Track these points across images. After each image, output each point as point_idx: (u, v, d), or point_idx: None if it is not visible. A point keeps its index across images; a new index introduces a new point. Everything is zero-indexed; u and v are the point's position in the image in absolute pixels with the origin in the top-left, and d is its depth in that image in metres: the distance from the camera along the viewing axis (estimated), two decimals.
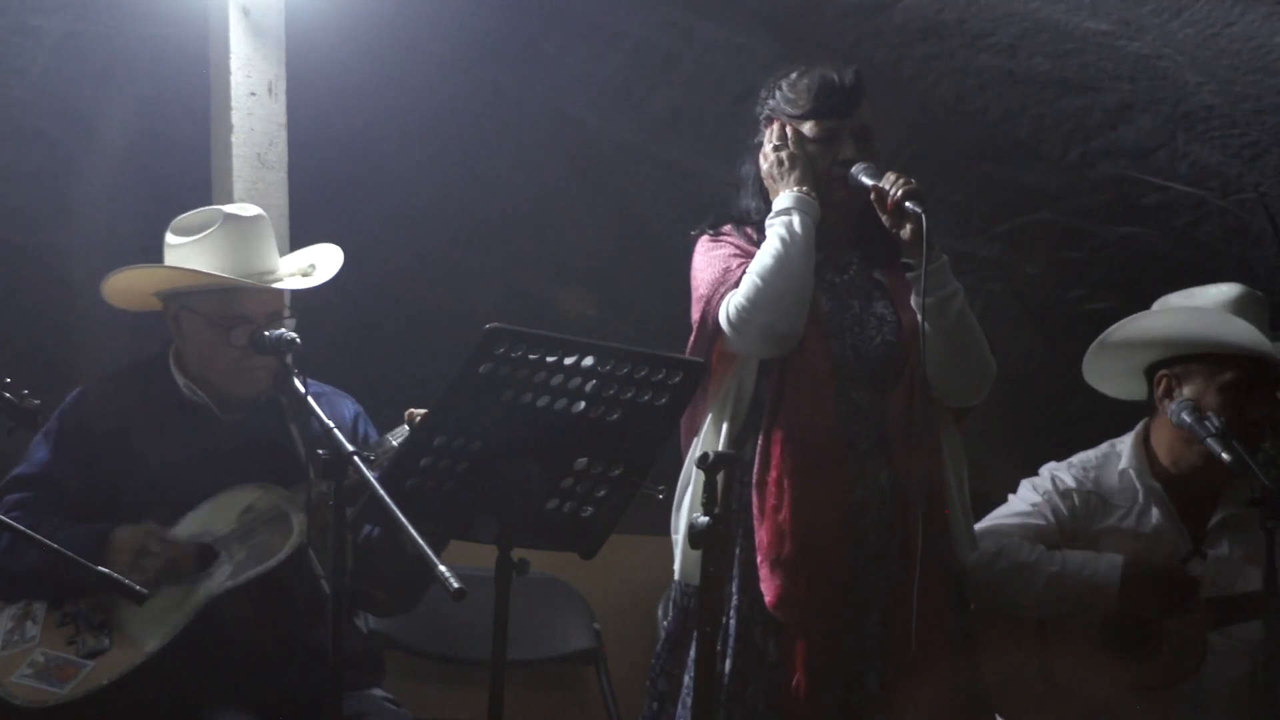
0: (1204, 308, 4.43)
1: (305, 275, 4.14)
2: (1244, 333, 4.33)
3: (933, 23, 5.32)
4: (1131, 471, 4.39)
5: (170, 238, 4.10)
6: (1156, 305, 4.52)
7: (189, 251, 4.05)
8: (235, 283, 4.01)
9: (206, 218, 4.09)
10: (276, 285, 4.06)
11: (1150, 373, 4.42)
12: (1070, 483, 4.38)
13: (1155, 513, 4.35)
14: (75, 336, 5.15)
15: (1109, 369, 4.50)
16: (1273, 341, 4.42)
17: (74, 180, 5.29)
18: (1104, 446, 4.48)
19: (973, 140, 5.57)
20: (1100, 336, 4.46)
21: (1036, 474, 4.46)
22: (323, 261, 4.16)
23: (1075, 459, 4.47)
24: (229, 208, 4.12)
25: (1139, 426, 4.46)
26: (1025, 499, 4.33)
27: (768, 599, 3.78)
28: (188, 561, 3.91)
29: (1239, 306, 4.40)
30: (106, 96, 5.19)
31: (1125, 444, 4.45)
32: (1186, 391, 4.34)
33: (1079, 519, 4.35)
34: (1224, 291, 4.45)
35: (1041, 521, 4.32)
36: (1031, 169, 5.69)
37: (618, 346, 3.49)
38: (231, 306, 4.02)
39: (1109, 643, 4.27)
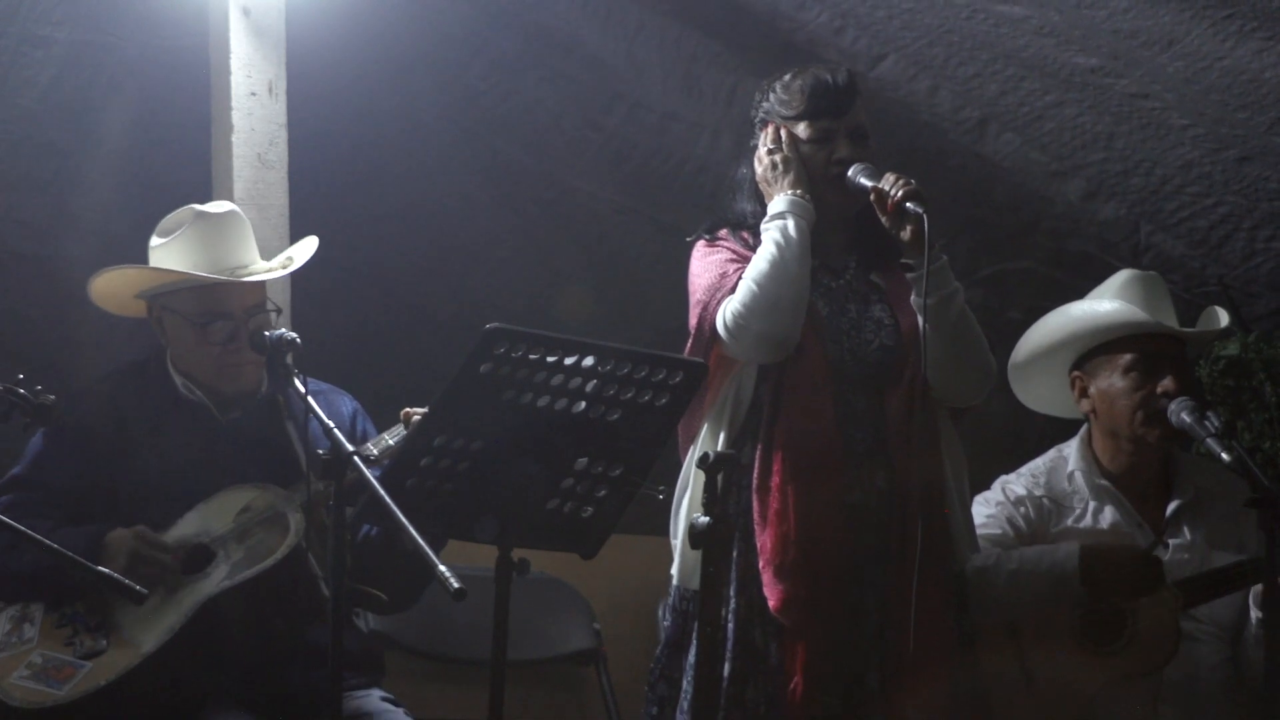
0: (1088, 300, 4.47)
1: (283, 268, 4.15)
2: (1118, 313, 4.37)
3: (904, 93, 5.32)
4: (1079, 473, 4.42)
5: (152, 240, 4.12)
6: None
7: (164, 252, 4.07)
8: (201, 279, 4.01)
9: (180, 218, 4.11)
10: (245, 278, 4.06)
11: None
12: (1021, 491, 4.41)
13: (1109, 510, 4.38)
14: (84, 347, 5.15)
15: (1041, 390, 4.54)
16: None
17: (82, 191, 5.29)
18: (1051, 452, 4.51)
19: (954, 188, 5.58)
20: (1010, 359, 4.49)
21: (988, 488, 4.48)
22: (299, 254, 4.18)
23: (1024, 468, 4.50)
24: (201, 206, 4.13)
25: (1082, 430, 4.48)
26: (979, 512, 4.33)
27: (772, 603, 3.78)
28: (177, 563, 3.91)
29: (1125, 290, 4.43)
30: (115, 106, 5.19)
31: (1071, 448, 4.47)
32: (1098, 384, 4.38)
33: (1035, 525, 4.37)
34: (1114, 279, 4.50)
35: (998, 531, 4.33)
36: (1011, 228, 5.71)
37: (618, 346, 3.48)
38: (207, 303, 4.03)
39: (1082, 637, 4.27)
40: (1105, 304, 4.40)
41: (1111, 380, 4.37)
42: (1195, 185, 5.47)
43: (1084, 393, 4.43)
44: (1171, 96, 5.21)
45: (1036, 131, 5.44)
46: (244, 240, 4.12)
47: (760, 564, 3.80)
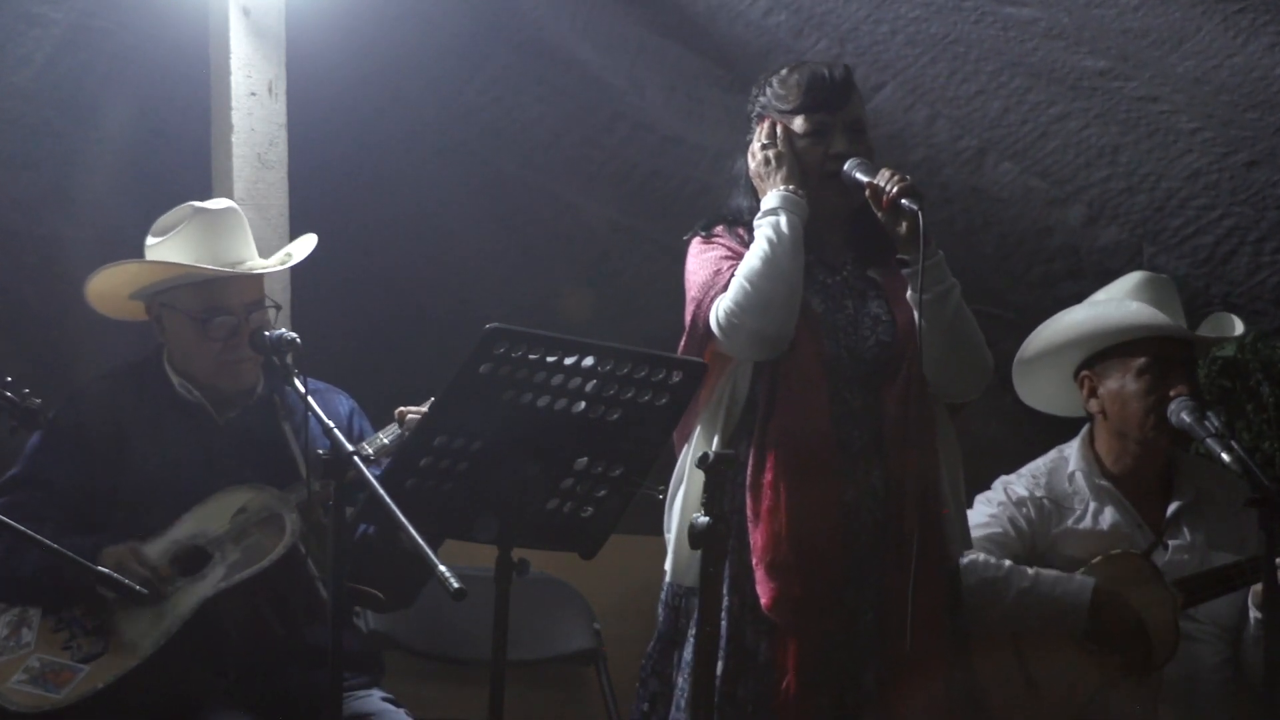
0: (1102, 300, 4.46)
1: (281, 265, 4.16)
2: (1138, 314, 4.37)
3: (900, 124, 5.30)
4: (1080, 474, 4.42)
5: (148, 240, 4.12)
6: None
7: (162, 251, 4.07)
8: (202, 272, 4.01)
9: (178, 215, 4.10)
10: (242, 270, 4.05)
11: (1078, 378, 4.46)
12: (1022, 491, 4.41)
13: (1110, 510, 4.38)
14: (75, 326, 5.14)
15: (1043, 387, 4.53)
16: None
17: (76, 171, 5.29)
18: (1052, 453, 4.51)
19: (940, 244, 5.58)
20: (1018, 354, 4.49)
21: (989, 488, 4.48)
22: (298, 251, 4.19)
23: (1025, 469, 4.50)
24: (199, 203, 4.13)
25: (1084, 430, 4.48)
26: (982, 512, 4.35)
27: (763, 601, 3.77)
28: (166, 573, 3.90)
29: (1139, 291, 4.43)
30: (110, 91, 5.19)
31: (1072, 448, 4.47)
32: (1109, 385, 4.37)
33: (1036, 525, 4.37)
34: (1128, 279, 4.50)
35: (999, 530, 4.33)
36: (997, 280, 5.70)
37: (618, 346, 3.48)
38: (207, 299, 4.03)
39: (1081, 636, 4.28)
40: (1127, 304, 4.40)
41: (1124, 382, 4.37)
42: (1201, 197, 5.44)
43: (1093, 392, 4.42)
44: (1180, 99, 5.19)
45: (1038, 153, 5.41)
46: (242, 236, 4.12)
47: (753, 561, 3.79)
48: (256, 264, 4.12)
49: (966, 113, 5.33)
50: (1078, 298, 4.65)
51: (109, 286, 4.10)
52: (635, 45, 5.36)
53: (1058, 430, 4.60)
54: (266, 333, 3.92)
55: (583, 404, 3.46)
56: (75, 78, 5.15)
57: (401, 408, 3.96)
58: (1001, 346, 4.62)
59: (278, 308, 4.10)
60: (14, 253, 5.32)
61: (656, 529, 3.98)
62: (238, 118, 4.69)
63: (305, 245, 4.17)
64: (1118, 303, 4.43)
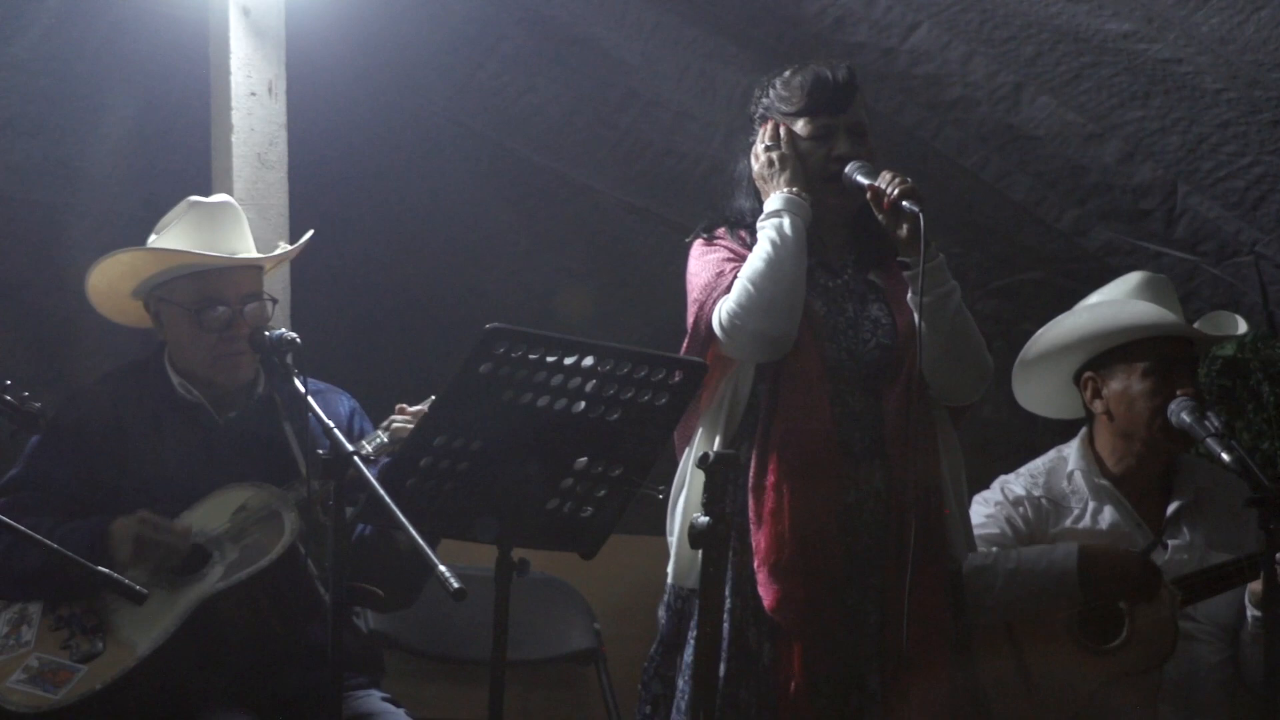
0: (1105, 300, 4.46)
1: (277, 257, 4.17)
2: (1145, 313, 4.36)
3: (937, 63, 5.29)
4: (1079, 473, 4.41)
5: (150, 238, 4.13)
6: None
7: (159, 244, 4.08)
8: (194, 258, 4.01)
9: (175, 211, 4.13)
10: (238, 257, 4.06)
11: (1079, 380, 4.45)
12: (1020, 491, 4.40)
13: (1109, 510, 4.38)
14: (69, 293, 5.14)
15: (1040, 390, 4.53)
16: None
17: (75, 141, 5.28)
18: (1051, 453, 4.50)
19: (970, 194, 5.54)
20: (1019, 356, 4.48)
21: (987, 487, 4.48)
22: (295, 245, 4.19)
23: (1024, 469, 4.49)
24: (196, 198, 4.14)
25: (1083, 431, 4.48)
26: (978, 512, 4.34)
27: (766, 603, 3.77)
28: (186, 543, 3.90)
29: (1141, 291, 4.42)
30: (109, 62, 5.18)
31: (1071, 449, 4.47)
32: (1114, 386, 4.37)
33: (1033, 526, 4.37)
34: (1127, 280, 4.49)
35: (996, 531, 4.33)
36: (1026, 230, 5.68)
37: (618, 346, 3.48)
38: (201, 289, 4.04)
39: (1080, 635, 4.28)
40: (1133, 304, 4.39)
41: (1129, 383, 4.36)
42: (1231, 144, 5.39)
43: (1097, 394, 4.41)
44: (1204, 60, 5.15)
45: (1073, 91, 5.36)
46: (238, 229, 4.13)
47: (755, 564, 3.79)
48: (253, 255, 4.13)
49: (1003, 53, 5.29)
50: (1109, 246, 4.61)
51: (107, 282, 4.11)
52: (650, 24, 5.35)
53: (1072, 421, 4.59)
54: (267, 332, 3.92)
55: (583, 404, 3.46)
56: (74, 46, 5.14)
57: (402, 404, 3.97)
58: (1022, 328, 4.62)
59: (274, 301, 4.11)
60: (10, 219, 5.31)
61: (656, 529, 3.99)
62: (238, 118, 4.70)
63: (300, 240, 4.19)
64: (1122, 303, 4.42)
